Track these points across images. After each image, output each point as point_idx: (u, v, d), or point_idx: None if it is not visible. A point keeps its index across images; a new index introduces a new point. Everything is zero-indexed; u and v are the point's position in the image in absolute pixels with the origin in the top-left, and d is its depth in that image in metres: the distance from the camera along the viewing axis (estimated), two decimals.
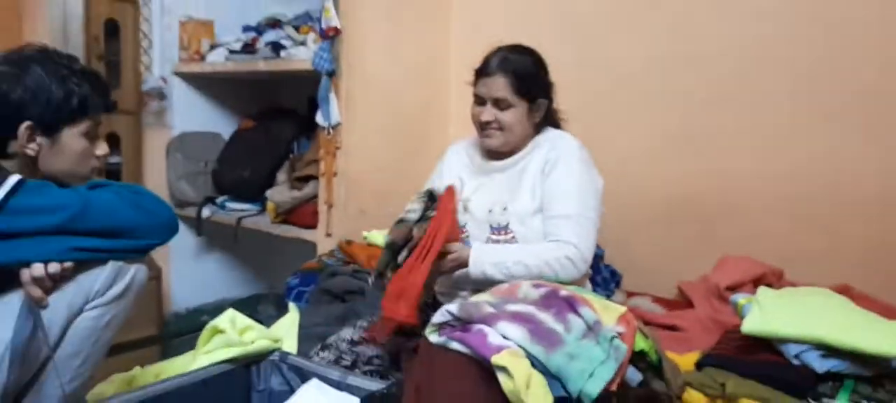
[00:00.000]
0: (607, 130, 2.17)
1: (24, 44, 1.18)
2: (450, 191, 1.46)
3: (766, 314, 1.17)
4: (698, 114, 2.02)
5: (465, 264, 1.43)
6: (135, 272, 1.18)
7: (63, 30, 2.21)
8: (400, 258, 1.33)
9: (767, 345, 1.19)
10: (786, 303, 1.21)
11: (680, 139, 2.06)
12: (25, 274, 1.06)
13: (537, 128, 1.61)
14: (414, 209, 1.35)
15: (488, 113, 1.55)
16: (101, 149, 1.22)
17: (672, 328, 1.65)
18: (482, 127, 1.57)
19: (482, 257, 1.43)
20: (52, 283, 1.09)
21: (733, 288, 1.74)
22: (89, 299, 1.13)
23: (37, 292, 1.06)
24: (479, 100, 1.58)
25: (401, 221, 1.35)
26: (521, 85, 1.53)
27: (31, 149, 1.12)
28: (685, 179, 2.06)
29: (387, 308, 1.31)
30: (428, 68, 2.39)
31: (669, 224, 2.10)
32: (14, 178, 1.05)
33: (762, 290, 1.27)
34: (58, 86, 1.11)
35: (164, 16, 2.59)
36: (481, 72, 1.57)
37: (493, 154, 1.62)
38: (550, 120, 1.65)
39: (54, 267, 1.07)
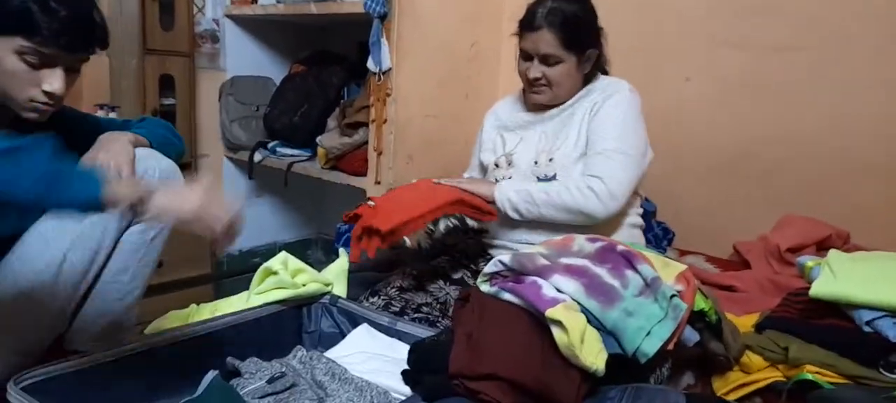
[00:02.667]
0: (665, 77, 2.08)
1: None
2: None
3: (837, 277, 1.11)
4: (765, 62, 1.90)
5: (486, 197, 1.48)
6: None
7: None
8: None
9: (835, 310, 1.13)
10: (858, 267, 1.14)
11: (742, 89, 1.95)
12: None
13: (587, 78, 1.55)
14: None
15: (535, 69, 1.47)
16: (50, 84, 1.04)
17: (728, 288, 1.59)
18: (530, 83, 1.51)
19: (505, 185, 1.49)
20: None
21: (795, 250, 1.66)
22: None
23: None
24: (526, 56, 1.49)
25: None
26: (570, 38, 1.44)
27: None
28: (745, 132, 1.96)
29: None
30: (480, 13, 2.32)
31: (725, 179, 2.01)
32: None
33: (833, 253, 1.20)
34: None
35: None
36: (526, 26, 1.47)
37: (539, 106, 1.57)
38: (600, 65, 1.58)
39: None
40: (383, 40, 2.08)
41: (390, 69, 2.09)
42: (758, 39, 1.90)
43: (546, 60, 1.46)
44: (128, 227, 1.17)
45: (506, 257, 1.14)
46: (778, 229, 1.76)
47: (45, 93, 1.04)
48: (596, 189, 1.38)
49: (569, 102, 1.53)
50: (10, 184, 0.89)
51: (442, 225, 1.40)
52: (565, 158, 1.47)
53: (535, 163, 1.51)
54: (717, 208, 2.03)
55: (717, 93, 2.00)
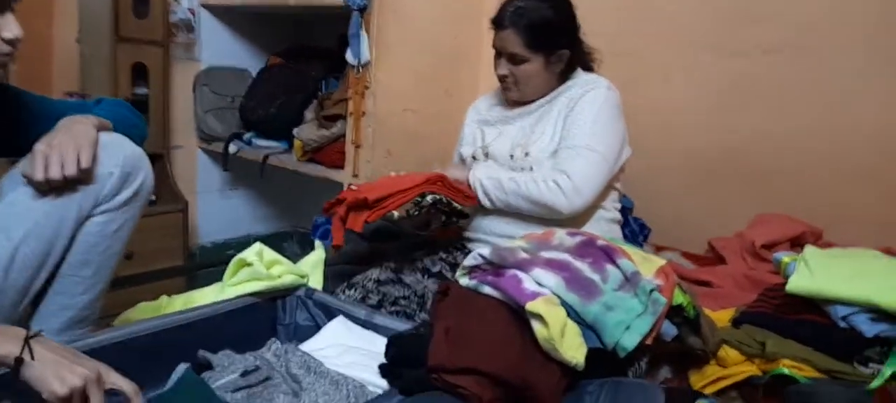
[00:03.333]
0: (648, 78, 2.08)
1: None
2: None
3: (813, 273, 1.12)
4: (747, 65, 1.91)
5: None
6: (143, 178, 1.15)
7: None
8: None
9: (810, 306, 1.14)
10: (834, 263, 1.15)
11: (723, 90, 1.97)
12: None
13: (563, 75, 1.55)
14: None
15: (503, 67, 1.49)
16: (9, 29, 0.97)
17: (704, 283, 1.60)
18: (499, 80, 1.53)
19: (479, 169, 1.50)
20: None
21: (770, 246, 1.69)
22: (98, 203, 1.10)
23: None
24: (496, 53, 1.51)
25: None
26: (535, 39, 1.44)
27: None
28: (725, 133, 1.98)
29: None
30: (461, 8, 2.31)
31: (704, 179, 2.03)
32: None
33: (809, 248, 1.22)
34: None
35: None
36: (495, 24, 1.48)
37: (518, 101, 1.57)
38: (581, 62, 1.58)
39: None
40: (363, 33, 2.06)
41: (369, 62, 2.07)
42: (740, 42, 1.91)
43: (513, 59, 1.48)
44: (88, 217, 1.11)
45: (485, 250, 1.12)
46: (753, 226, 1.78)
47: (7, 41, 0.98)
48: (562, 184, 1.39)
49: (546, 98, 1.53)
50: None
51: (430, 198, 1.41)
52: (541, 153, 1.47)
53: (512, 156, 1.51)
54: (695, 206, 2.04)
55: (698, 93, 2.01)
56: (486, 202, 1.49)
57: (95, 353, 1.01)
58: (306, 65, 2.51)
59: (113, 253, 1.16)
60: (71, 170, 1.04)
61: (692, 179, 2.05)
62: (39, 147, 1.05)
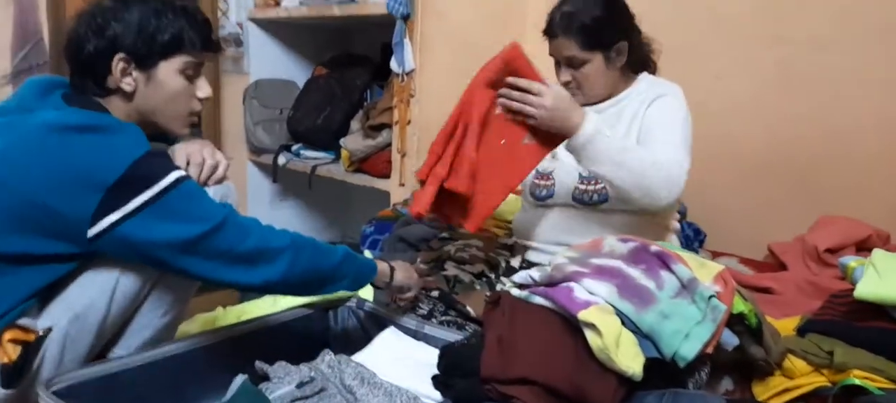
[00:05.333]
0: (699, 73, 2.02)
1: None
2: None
3: (883, 277, 1.06)
4: (802, 56, 1.84)
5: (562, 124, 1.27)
6: (232, 203, 1.20)
7: None
8: None
9: (880, 312, 1.08)
10: None
11: (777, 86, 1.90)
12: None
13: (631, 69, 1.49)
14: None
15: (564, 74, 1.44)
16: (203, 90, 1.15)
17: (765, 290, 1.55)
18: (564, 86, 1.47)
19: (598, 123, 1.27)
20: None
21: (834, 251, 1.62)
22: None
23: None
24: (555, 62, 1.47)
25: None
26: (589, 39, 1.39)
27: (126, 84, 1.08)
28: (780, 131, 1.91)
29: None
30: (504, 12, 2.30)
31: (760, 180, 1.96)
32: (173, 176, 1.01)
33: (877, 252, 1.16)
34: (152, 19, 1.06)
35: None
36: (547, 34, 1.44)
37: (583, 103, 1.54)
38: (642, 56, 1.52)
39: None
40: (406, 41, 2.07)
41: (414, 70, 2.08)
42: (793, 34, 1.85)
43: (571, 63, 1.43)
44: None
45: (535, 273, 1.12)
46: (815, 229, 1.71)
47: (201, 100, 1.15)
48: (673, 175, 1.27)
49: (614, 99, 1.48)
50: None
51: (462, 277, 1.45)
52: None
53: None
54: (751, 209, 1.98)
55: (751, 91, 1.95)
56: (587, 150, 1.27)
57: (157, 365, 1.05)
58: (351, 74, 2.55)
59: (193, 280, 1.19)
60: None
61: (746, 181, 1.98)
62: None
